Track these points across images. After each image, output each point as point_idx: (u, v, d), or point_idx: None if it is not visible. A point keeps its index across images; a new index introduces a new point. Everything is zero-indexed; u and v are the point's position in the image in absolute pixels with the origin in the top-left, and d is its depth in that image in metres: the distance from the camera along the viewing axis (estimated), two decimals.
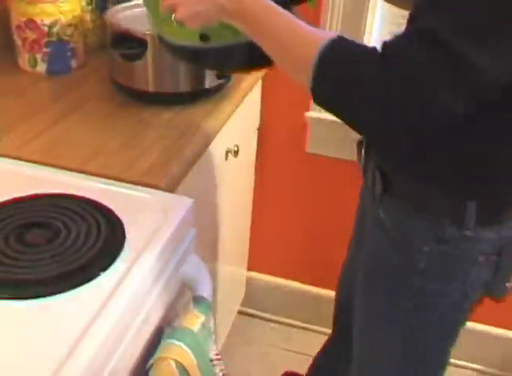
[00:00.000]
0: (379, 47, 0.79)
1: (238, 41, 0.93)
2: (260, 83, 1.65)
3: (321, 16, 1.56)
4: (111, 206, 0.96)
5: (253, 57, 0.92)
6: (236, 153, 1.46)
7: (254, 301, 2.11)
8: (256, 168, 1.85)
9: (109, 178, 1.05)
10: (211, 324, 0.93)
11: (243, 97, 1.46)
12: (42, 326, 0.76)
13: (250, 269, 2.07)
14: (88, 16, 1.52)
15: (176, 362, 0.82)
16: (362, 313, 1.15)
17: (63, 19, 1.40)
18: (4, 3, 1.44)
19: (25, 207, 0.94)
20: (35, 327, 0.75)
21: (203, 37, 0.95)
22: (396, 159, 0.97)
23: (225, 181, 1.48)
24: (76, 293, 0.80)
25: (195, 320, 0.88)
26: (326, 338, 1.49)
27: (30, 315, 0.77)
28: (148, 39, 1.24)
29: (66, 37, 1.43)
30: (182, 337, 0.85)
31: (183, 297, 1.00)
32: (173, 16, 0.91)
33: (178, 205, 0.98)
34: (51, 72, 1.45)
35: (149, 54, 1.26)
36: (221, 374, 0.93)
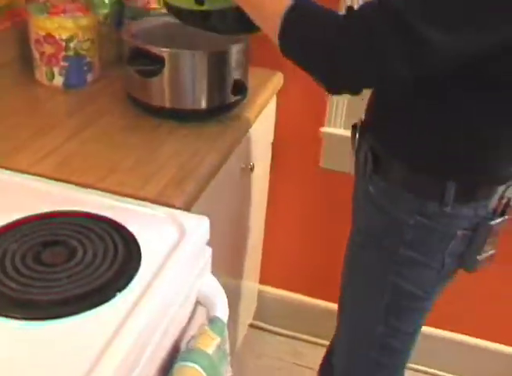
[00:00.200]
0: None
1: (228, 5, 1.06)
2: (275, 98, 1.65)
3: None
4: (127, 224, 0.95)
5: (241, 20, 1.04)
6: (252, 169, 1.46)
7: (264, 315, 2.11)
8: (270, 182, 1.85)
9: (124, 195, 1.05)
10: (226, 346, 0.93)
11: (259, 113, 1.46)
12: (58, 348, 0.75)
13: (261, 282, 2.07)
14: (104, 30, 1.53)
15: None
16: (347, 283, 1.28)
17: (81, 34, 1.41)
18: (23, 17, 1.45)
19: (42, 225, 0.94)
20: (50, 349, 0.75)
21: (198, 1, 1.09)
22: (387, 141, 1.08)
23: (239, 196, 1.48)
24: (92, 314, 0.79)
25: (210, 342, 0.87)
26: None
27: (45, 336, 0.76)
28: (165, 56, 1.25)
29: (83, 52, 1.43)
30: (197, 359, 0.84)
31: (198, 317, 0.99)
32: None
33: (194, 224, 0.98)
34: (67, 86, 1.46)
35: (165, 70, 1.26)
36: None
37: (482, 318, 1.89)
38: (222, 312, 0.95)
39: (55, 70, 1.44)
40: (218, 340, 0.88)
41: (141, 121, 1.33)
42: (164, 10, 1.22)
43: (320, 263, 1.95)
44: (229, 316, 0.96)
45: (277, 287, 2.07)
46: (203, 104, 1.32)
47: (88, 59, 1.46)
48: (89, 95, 1.44)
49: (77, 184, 1.08)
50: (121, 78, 1.43)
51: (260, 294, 2.08)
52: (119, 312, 0.80)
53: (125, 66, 1.34)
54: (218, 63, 1.30)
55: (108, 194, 1.05)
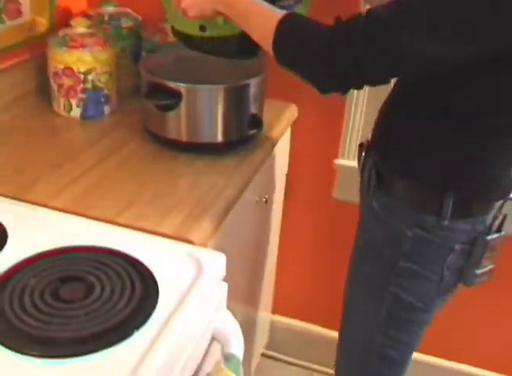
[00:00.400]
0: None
1: (230, 34, 1.16)
2: (289, 130, 1.66)
3: None
4: (144, 260, 0.96)
5: (241, 47, 1.17)
6: (266, 201, 1.46)
7: (276, 344, 2.10)
8: (283, 212, 1.85)
9: (142, 230, 1.06)
10: None
11: (274, 145, 1.47)
12: None
13: (274, 311, 2.06)
14: (121, 63, 1.55)
15: None
16: (349, 296, 1.31)
17: (99, 67, 1.43)
18: (42, 50, 1.47)
19: (59, 260, 0.95)
20: None
21: (202, 28, 1.17)
22: (389, 158, 1.13)
23: (254, 228, 1.48)
24: (109, 352, 0.80)
25: None
26: None
27: (64, 375, 0.76)
28: (182, 91, 1.26)
29: (100, 85, 1.45)
30: None
31: (213, 353, 0.99)
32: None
33: (211, 260, 0.98)
34: (85, 117, 1.48)
35: (182, 105, 1.27)
36: None
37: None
38: (238, 349, 0.95)
39: (73, 102, 1.46)
40: None
41: (158, 153, 1.34)
42: (181, 44, 1.27)
43: (332, 294, 1.93)
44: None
45: (289, 316, 2.06)
46: (220, 138, 1.33)
47: (106, 92, 1.48)
48: (106, 126, 1.46)
49: (94, 218, 1.08)
50: (138, 110, 1.45)
51: (272, 323, 2.07)
52: (137, 350, 0.80)
53: (143, 99, 1.35)
54: (235, 98, 1.31)
55: (126, 229, 1.06)
